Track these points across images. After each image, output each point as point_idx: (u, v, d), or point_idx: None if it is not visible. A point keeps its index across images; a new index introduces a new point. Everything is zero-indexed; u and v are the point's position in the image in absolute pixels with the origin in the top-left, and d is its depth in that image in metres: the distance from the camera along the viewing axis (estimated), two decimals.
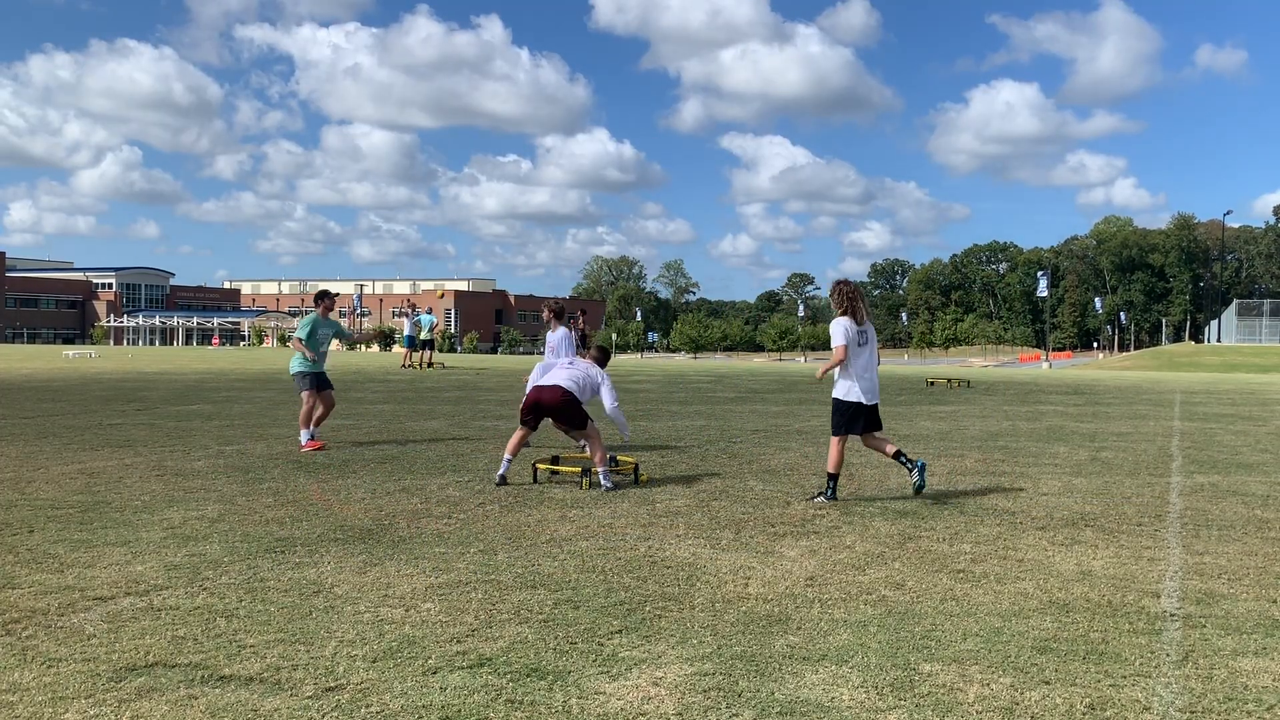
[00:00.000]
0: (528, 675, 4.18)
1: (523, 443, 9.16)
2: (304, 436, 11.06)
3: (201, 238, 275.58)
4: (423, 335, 33.36)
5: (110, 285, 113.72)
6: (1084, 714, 3.90)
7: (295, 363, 11.42)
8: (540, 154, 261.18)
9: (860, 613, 5.13)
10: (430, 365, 32.28)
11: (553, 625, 4.84)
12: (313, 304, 11.91)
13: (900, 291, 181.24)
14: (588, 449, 9.17)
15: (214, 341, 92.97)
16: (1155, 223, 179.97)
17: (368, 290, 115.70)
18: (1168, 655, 4.57)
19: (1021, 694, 4.08)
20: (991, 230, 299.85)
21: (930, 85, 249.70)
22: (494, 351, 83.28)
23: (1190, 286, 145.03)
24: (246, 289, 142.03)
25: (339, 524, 7.06)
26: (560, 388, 8.80)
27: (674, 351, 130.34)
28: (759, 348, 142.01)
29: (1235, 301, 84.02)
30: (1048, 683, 4.21)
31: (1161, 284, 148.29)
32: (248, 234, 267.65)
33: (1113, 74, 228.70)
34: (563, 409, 8.80)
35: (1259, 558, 6.52)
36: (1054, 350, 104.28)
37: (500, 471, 8.89)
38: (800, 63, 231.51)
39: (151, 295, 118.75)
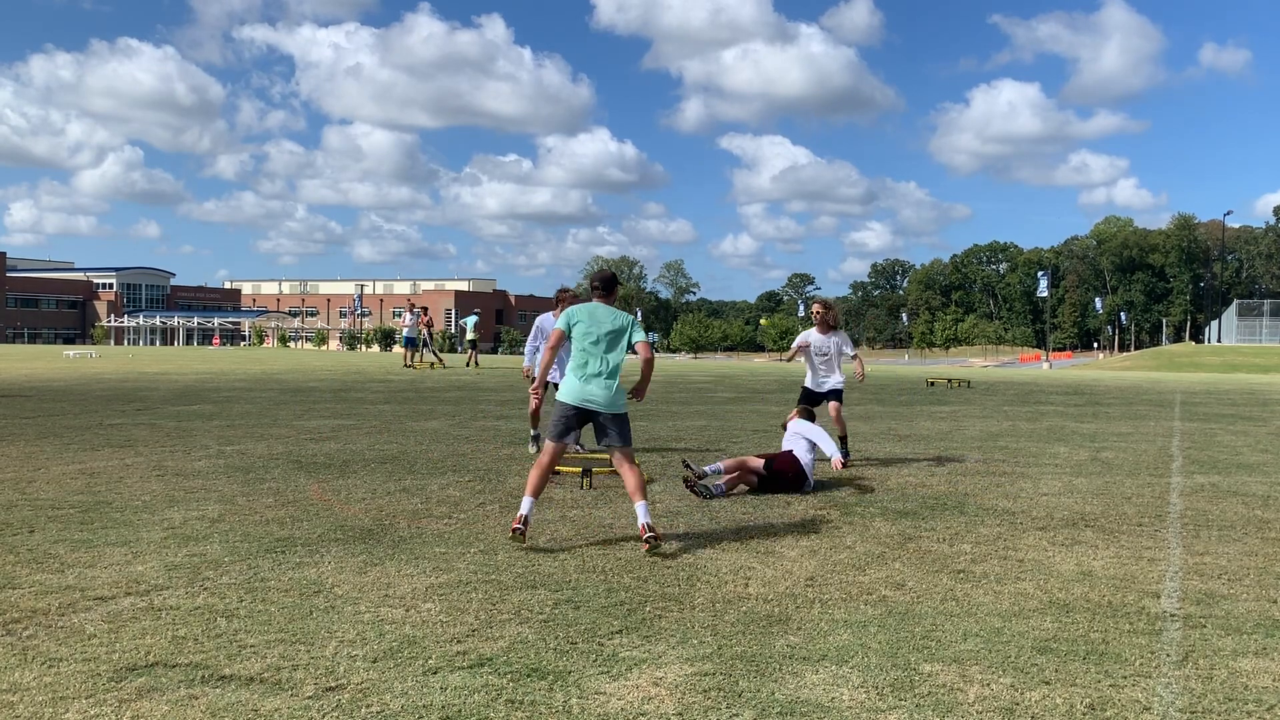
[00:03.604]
0: (528, 675, 4.18)
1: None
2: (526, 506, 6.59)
3: (202, 238, 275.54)
4: (468, 336, 33.62)
5: (111, 285, 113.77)
6: (1084, 714, 3.91)
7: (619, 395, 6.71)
8: (541, 154, 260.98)
9: (860, 613, 5.13)
10: (477, 366, 32.73)
11: (553, 625, 4.84)
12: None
13: (900, 291, 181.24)
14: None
15: (214, 341, 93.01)
16: (1156, 223, 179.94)
17: (368, 290, 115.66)
18: (1168, 655, 4.57)
19: (1021, 694, 4.08)
20: (992, 230, 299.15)
21: (932, 85, 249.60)
22: (494, 351, 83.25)
23: (1190, 287, 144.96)
24: (247, 289, 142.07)
25: (339, 524, 7.06)
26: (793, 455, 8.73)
27: (674, 352, 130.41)
28: (759, 348, 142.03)
29: (1235, 302, 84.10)
30: (1048, 683, 4.21)
31: (1162, 284, 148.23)
32: (249, 234, 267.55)
33: (1115, 74, 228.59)
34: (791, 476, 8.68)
35: (1259, 558, 6.52)
36: (1054, 350, 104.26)
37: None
38: (802, 62, 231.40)
39: (152, 295, 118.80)
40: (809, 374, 10.85)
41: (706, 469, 8.48)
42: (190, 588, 5.37)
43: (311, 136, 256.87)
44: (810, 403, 10.53)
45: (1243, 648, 4.69)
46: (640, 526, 6.33)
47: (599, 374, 6.53)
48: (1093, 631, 4.90)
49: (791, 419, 9.36)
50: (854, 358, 10.65)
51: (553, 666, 4.29)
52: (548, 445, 6.65)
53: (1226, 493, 9.16)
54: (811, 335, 10.71)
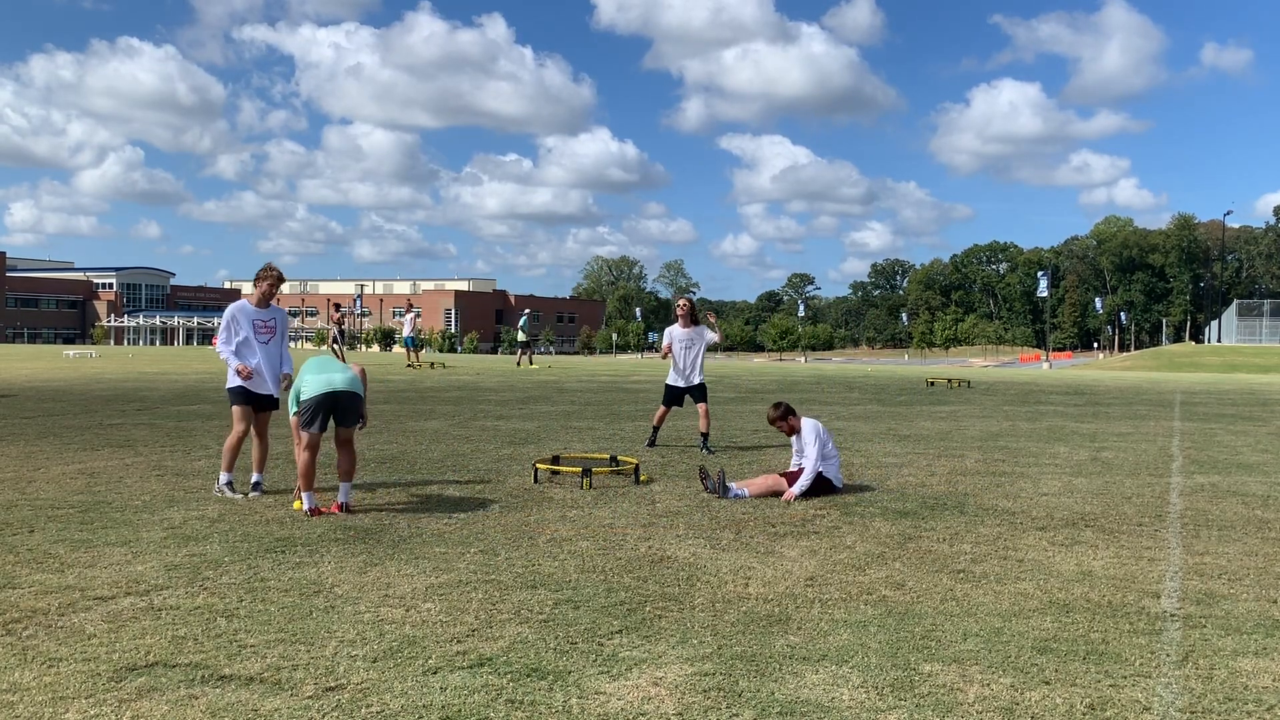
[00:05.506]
0: (528, 675, 4.18)
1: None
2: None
3: (203, 237, 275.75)
4: (520, 337, 33.76)
5: (111, 285, 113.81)
6: (1084, 714, 3.90)
7: None
8: (542, 154, 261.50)
9: (860, 613, 5.13)
10: (531, 364, 33.02)
11: (553, 625, 4.84)
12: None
13: (900, 291, 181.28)
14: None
15: (214, 341, 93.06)
16: (1156, 223, 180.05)
17: (368, 290, 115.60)
18: (1168, 655, 4.57)
19: (1021, 694, 4.08)
20: (993, 230, 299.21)
21: (933, 85, 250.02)
22: (494, 351, 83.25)
23: (1190, 287, 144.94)
24: (247, 289, 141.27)
25: (339, 524, 7.06)
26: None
27: None
28: (759, 348, 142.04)
29: (1235, 302, 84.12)
30: (1048, 683, 4.21)
31: (1162, 284, 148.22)
32: (249, 234, 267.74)
33: (1116, 73, 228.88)
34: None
35: (1259, 558, 6.52)
36: (1054, 350, 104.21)
37: None
38: (803, 62, 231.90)
39: (152, 295, 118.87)
40: (672, 371, 11.52)
41: (731, 487, 8.35)
42: (190, 588, 5.37)
43: (312, 136, 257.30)
44: (675, 400, 11.46)
45: (1243, 648, 4.69)
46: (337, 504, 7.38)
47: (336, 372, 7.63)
48: (1093, 631, 4.90)
49: (797, 418, 8.80)
50: (714, 343, 11.65)
51: (553, 666, 4.29)
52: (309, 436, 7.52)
53: (1226, 493, 9.16)
54: (675, 330, 11.54)
